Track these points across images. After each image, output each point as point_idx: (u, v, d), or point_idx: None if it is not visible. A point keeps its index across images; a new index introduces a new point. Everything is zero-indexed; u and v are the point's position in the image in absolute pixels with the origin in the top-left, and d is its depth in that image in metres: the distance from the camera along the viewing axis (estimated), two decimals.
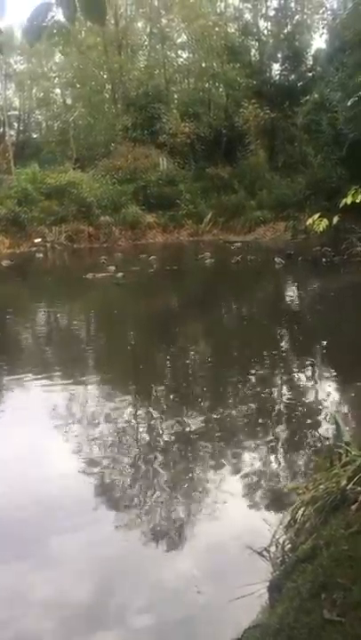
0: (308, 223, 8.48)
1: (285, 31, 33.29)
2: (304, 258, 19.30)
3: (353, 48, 23.39)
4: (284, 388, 8.09)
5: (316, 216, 7.93)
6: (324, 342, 10.28)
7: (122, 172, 28.56)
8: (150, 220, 27.46)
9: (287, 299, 15.30)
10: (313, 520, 3.77)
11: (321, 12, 33.96)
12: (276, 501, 4.78)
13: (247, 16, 34.71)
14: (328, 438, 5.83)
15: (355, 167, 22.48)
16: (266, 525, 4.15)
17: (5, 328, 12.25)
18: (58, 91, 39.18)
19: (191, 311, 13.59)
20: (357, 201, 7.76)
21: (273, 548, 3.83)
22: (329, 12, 32.28)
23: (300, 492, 4.25)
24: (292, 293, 16.23)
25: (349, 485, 3.77)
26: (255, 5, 33.92)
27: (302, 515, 3.92)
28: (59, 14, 2.27)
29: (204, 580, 3.84)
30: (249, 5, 34.23)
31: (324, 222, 8.08)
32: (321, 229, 8.40)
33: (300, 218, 23.40)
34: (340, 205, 7.84)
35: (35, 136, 39.55)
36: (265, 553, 3.79)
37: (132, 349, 10.49)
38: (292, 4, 33.88)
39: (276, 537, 3.85)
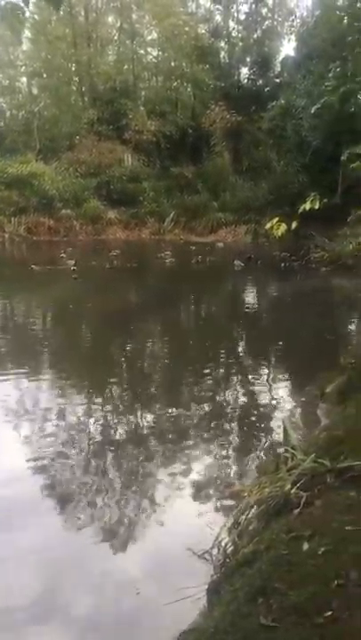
0: (267, 227, 8.60)
1: (255, 36, 33.70)
2: (263, 262, 19.47)
3: (319, 56, 23.75)
4: (236, 389, 8.11)
5: (275, 220, 7.99)
6: (278, 345, 10.39)
7: (85, 166, 28.28)
8: (112, 216, 27.26)
9: (244, 301, 15.39)
10: (256, 523, 3.78)
11: (291, 19, 34.60)
12: (222, 504, 4.77)
13: (218, 18, 35.01)
14: (276, 442, 5.86)
15: (316, 174, 22.87)
16: (209, 528, 4.14)
17: None
18: (24, 80, 38.44)
19: (147, 309, 13.52)
20: (316, 207, 7.87)
21: (215, 551, 3.81)
22: (298, 20, 32.85)
23: (245, 494, 4.25)
24: (249, 296, 16.34)
25: (293, 490, 3.79)
26: (226, 8, 34.17)
27: (246, 518, 3.92)
28: None
29: (145, 582, 3.79)
30: (220, 7, 34.45)
31: (283, 227, 8.16)
32: (280, 234, 8.47)
33: (261, 222, 23.60)
34: (300, 211, 7.93)
35: None
36: (207, 556, 3.77)
37: (83, 345, 10.37)
38: (263, 10, 34.32)
39: (219, 539, 3.84)
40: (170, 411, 6.96)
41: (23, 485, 5.03)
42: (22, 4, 2.28)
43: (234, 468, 5.56)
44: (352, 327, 12.56)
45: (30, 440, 5.96)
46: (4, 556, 4.03)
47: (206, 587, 3.42)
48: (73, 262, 17.83)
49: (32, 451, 5.68)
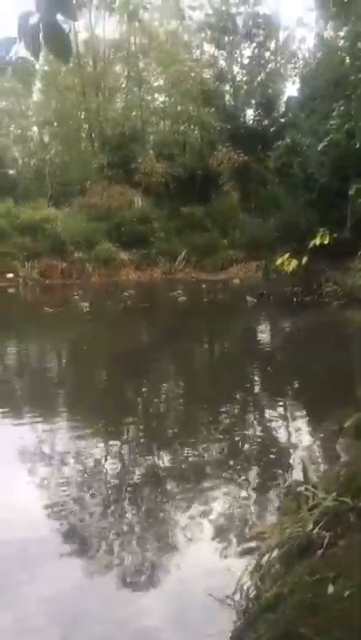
0: (277, 263, 8.61)
1: (259, 79, 34.53)
2: (276, 297, 19.50)
3: (323, 96, 24.21)
4: (253, 428, 8.02)
5: (286, 256, 8.03)
6: (294, 382, 10.30)
7: (96, 209, 28.75)
8: (124, 258, 27.54)
9: (258, 338, 15.35)
10: (278, 566, 3.68)
11: (293, 61, 35.47)
12: (243, 546, 4.65)
13: (222, 63, 35.92)
14: (296, 480, 5.75)
15: (324, 210, 23.02)
16: (231, 572, 4.04)
17: None
18: (35, 129, 39.57)
19: (160, 348, 13.52)
20: (326, 242, 7.89)
21: (237, 596, 3.71)
22: (301, 62, 33.66)
23: (267, 535, 4.16)
24: (262, 332, 16.31)
25: (315, 530, 3.70)
26: (230, 53, 35.13)
27: (268, 560, 3.82)
28: (23, 50, 2.26)
29: (165, 629, 3.68)
30: (224, 53, 35.43)
31: (294, 262, 8.18)
32: (291, 269, 8.50)
33: (271, 258, 23.71)
34: (310, 246, 7.96)
35: (11, 172, 39.67)
36: (229, 601, 3.67)
37: (98, 387, 10.36)
38: (266, 54, 35.23)
39: (241, 583, 3.74)
40: (186, 451, 6.89)
41: (40, 529, 4.95)
42: (32, 59, 2.36)
43: (254, 508, 5.44)
44: None
45: (46, 484, 5.90)
46: (18, 602, 3.95)
47: (230, 634, 3.31)
48: (87, 304, 17.98)
49: (48, 495, 5.62)
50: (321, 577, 3.10)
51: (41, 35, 2.12)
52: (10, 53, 2.22)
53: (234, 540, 4.82)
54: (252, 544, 4.52)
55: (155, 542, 4.83)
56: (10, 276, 24.95)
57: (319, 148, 21.40)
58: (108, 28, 35.53)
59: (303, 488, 4.64)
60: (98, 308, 17.79)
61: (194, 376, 11.19)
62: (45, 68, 33.12)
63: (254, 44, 34.53)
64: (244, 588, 3.70)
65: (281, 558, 3.71)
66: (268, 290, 20.32)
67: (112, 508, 5.43)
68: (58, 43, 2.17)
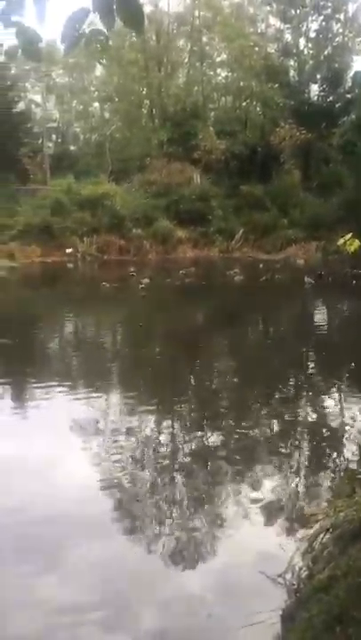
0: (339, 243, 8.41)
1: (326, 53, 33.47)
2: (334, 279, 19.10)
3: None
4: (308, 409, 7.94)
5: (348, 236, 7.82)
6: (350, 365, 10.10)
7: (155, 186, 28.78)
8: (181, 235, 27.52)
9: (314, 319, 15.11)
10: (331, 548, 3.66)
11: None
12: (295, 526, 4.64)
13: (288, 36, 34.98)
14: (351, 463, 5.68)
15: None
16: (282, 551, 4.04)
17: (35, 338, 12.33)
18: (96, 104, 39.86)
19: (215, 327, 13.50)
20: None
21: (289, 575, 3.71)
22: None
23: (320, 518, 4.13)
24: (319, 314, 16.04)
25: None
26: (296, 26, 34.13)
27: (320, 542, 3.81)
28: (97, 22, 2.25)
29: (217, 604, 3.72)
30: (290, 26, 34.46)
31: (356, 243, 7.96)
32: (352, 250, 8.27)
33: (332, 238, 23.19)
34: None
35: (72, 148, 40.18)
36: (280, 580, 3.67)
37: (156, 362, 10.45)
38: (335, 27, 34.05)
39: (293, 563, 3.74)
40: (239, 430, 6.89)
41: (96, 504, 5.06)
42: (106, 31, 2.33)
43: (307, 489, 5.40)
44: None
45: (101, 459, 6.00)
46: (78, 572, 4.08)
47: (281, 612, 3.33)
48: (145, 280, 18.11)
49: (102, 470, 5.72)
50: None
51: (115, 5, 2.11)
52: (83, 25, 2.21)
53: (285, 521, 4.80)
54: (305, 525, 4.50)
55: (207, 520, 4.87)
56: (69, 250, 25.37)
57: None
58: (173, 0, 35.22)
59: (359, 471, 4.59)
60: (154, 284, 17.87)
61: (248, 355, 11.13)
62: (109, 42, 33.11)
63: (322, 17, 33.47)
64: (296, 568, 3.71)
65: (335, 540, 3.69)
66: (328, 271, 19.93)
67: (163, 484, 5.50)
68: (131, 13, 2.16)
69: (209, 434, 6.87)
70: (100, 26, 2.20)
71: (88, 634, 3.54)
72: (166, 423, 7.21)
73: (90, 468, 5.75)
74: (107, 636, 3.54)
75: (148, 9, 34.24)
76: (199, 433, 6.89)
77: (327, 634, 2.65)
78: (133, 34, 27.04)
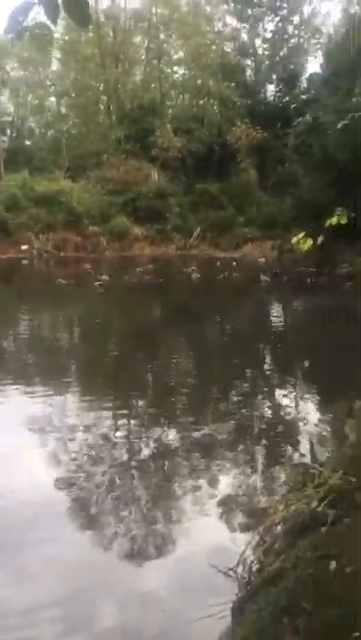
0: (293, 242, 8.53)
1: (281, 53, 33.83)
2: (289, 277, 19.38)
3: (347, 73, 23.70)
4: (263, 405, 8.05)
5: (301, 235, 7.94)
6: (304, 362, 10.28)
7: (112, 183, 28.61)
8: (138, 233, 27.45)
9: (269, 317, 15.30)
10: (282, 541, 3.72)
11: (317, 36, 34.70)
12: (247, 520, 4.70)
13: (244, 36, 35.22)
14: (303, 458, 5.78)
15: (343, 190, 22.68)
16: (235, 545, 4.08)
17: None
18: (53, 99, 39.23)
19: (171, 324, 13.53)
20: (342, 223, 7.79)
21: (240, 568, 3.75)
22: (325, 37, 32.90)
23: (271, 511, 4.19)
24: (274, 312, 16.25)
25: (320, 507, 3.72)
26: (253, 26, 34.41)
27: (271, 535, 3.86)
28: (42, 14, 2.21)
29: (169, 599, 3.75)
30: (247, 26, 34.71)
31: (309, 242, 8.08)
32: (306, 248, 8.40)
33: (286, 237, 23.50)
34: (326, 226, 7.86)
35: (27, 143, 39.47)
36: (231, 573, 3.71)
37: (112, 359, 10.41)
38: (290, 28, 34.47)
39: (244, 557, 3.78)
40: (196, 426, 6.93)
41: (51, 502, 5.01)
42: (50, 25, 2.30)
43: (259, 484, 5.49)
44: None
45: (56, 458, 5.96)
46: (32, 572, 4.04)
47: (231, 605, 3.37)
48: (102, 277, 17.99)
49: (58, 468, 5.67)
50: (324, 553, 3.13)
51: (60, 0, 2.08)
52: (27, 18, 2.18)
53: (238, 515, 4.87)
54: (256, 519, 4.57)
55: (160, 515, 4.90)
56: (24, 247, 24.96)
57: (339, 126, 21.00)
58: None
59: (310, 466, 4.67)
60: (111, 282, 17.78)
61: (204, 353, 11.20)
62: (65, 37, 32.70)
63: (278, 18, 33.82)
64: (247, 561, 3.75)
65: (285, 534, 3.75)
66: (283, 269, 20.19)
67: (119, 481, 5.49)
68: (76, 8, 2.12)
69: (165, 430, 6.89)
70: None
71: (42, 633, 3.51)
72: (123, 420, 7.20)
73: (45, 467, 5.69)
74: (62, 637, 3.51)
75: (104, 4, 34.08)
76: (156, 429, 6.91)
77: (275, 625, 2.69)
78: (90, 28, 26.74)
